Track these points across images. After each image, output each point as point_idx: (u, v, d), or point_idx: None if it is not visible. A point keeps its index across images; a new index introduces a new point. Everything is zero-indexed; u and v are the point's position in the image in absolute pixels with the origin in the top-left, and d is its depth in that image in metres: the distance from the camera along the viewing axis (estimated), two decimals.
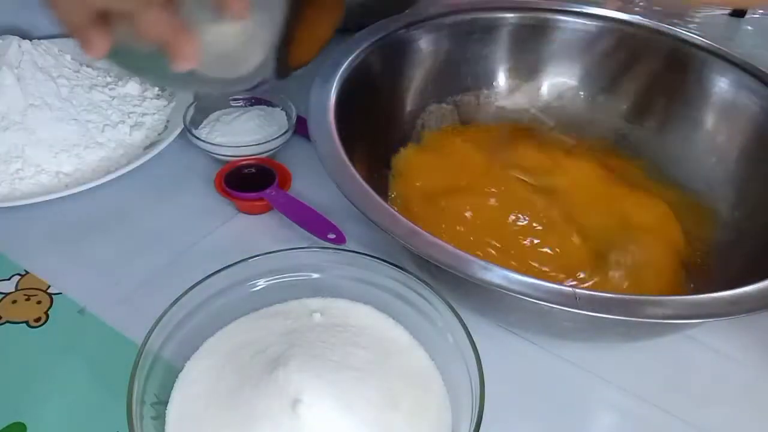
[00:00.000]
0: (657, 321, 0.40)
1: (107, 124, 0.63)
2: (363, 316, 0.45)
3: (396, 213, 0.44)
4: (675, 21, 0.90)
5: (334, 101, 0.54)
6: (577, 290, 0.40)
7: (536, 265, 0.53)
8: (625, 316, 0.39)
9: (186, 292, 0.42)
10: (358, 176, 0.47)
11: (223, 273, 0.44)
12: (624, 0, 0.98)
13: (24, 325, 0.49)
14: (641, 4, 0.97)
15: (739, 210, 0.57)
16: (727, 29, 0.91)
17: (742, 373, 0.49)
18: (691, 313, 0.40)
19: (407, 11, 0.68)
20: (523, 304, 0.41)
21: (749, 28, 0.91)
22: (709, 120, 0.62)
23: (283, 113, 0.66)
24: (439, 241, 0.43)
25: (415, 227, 0.43)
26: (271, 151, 0.63)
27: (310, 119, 0.52)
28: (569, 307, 0.39)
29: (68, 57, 0.66)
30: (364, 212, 0.44)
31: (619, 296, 0.41)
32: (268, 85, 0.45)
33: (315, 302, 0.46)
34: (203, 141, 0.61)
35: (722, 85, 0.61)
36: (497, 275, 0.41)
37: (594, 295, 0.40)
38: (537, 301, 0.40)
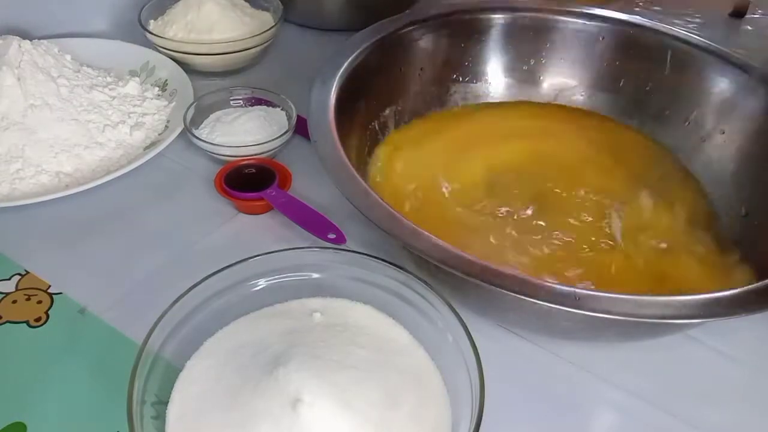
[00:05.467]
0: (657, 321, 0.40)
1: (107, 124, 0.63)
2: (363, 316, 0.45)
3: (396, 213, 0.44)
4: (675, 21, 0.90)
5: (334, 101, 0.54)
6: (577, 290, 0.40)
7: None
8: (624, 316, 0.39)
9: (186, 292, 0.42)
10: (358, 176, 0.47)
11: (223, 273, 0.44)
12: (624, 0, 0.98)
13: (24, 325, 0.49)
14: (641, 4, 0.97)
15: (743, 209, 0.57)
16: (727, 29, 0.91)
17: (742, 373, 0.49)
18: (691, 313, 0.40)
19: (407, 11, 0.68)
20: (522, 303, 0.41)
21: (749, 28, 0.91)
22: (709, 120, 0.62)
23: (283, 113, 0.66)
24: (440, 241, 0.43)
25: (415, 227, 0.43)
26: (271, 151, 0.63)
27: (310, 119, 0.52)
28: (569, 307, 0.39)
29: (68, 57, 0.66)
30: (364, 212, 0.44)
31: (619, 296, 0.40)
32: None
33: (315, 302, 0.46)
34: (203, 141, 0.61)
35: (722, 85, 0.61)
36: (497, 275, 0.41)
37: (594, 294, 0.40)
38: (537, 301, 0.40)
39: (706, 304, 0.40)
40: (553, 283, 0.41)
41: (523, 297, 0.40)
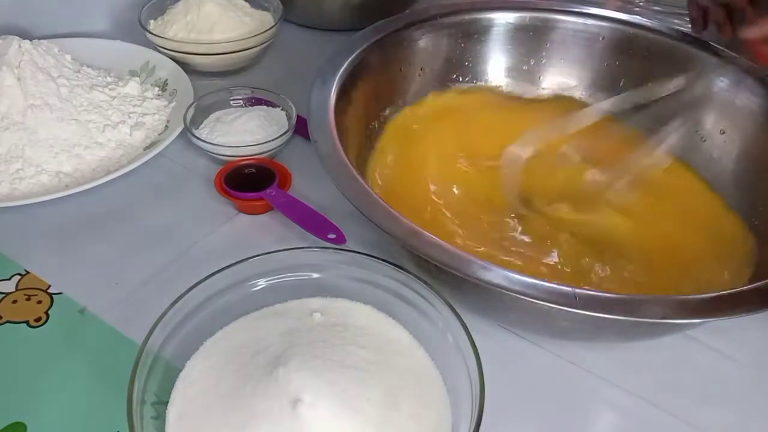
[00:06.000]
0: (656, 321, 0.40)
1: (107, 124, 0.63)
2: (363, 316, 0.45)
3: (395, 212, 0.44)
4: (675, 21, 0.90)
5: (334, 101, 0.54)
6: (577, 290, 0.40)
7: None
8: (624, 316, 0.39)
9: (186, 292, 0.42)
10: (358, 176, 0.47)
11: (223, 273, 0.44)
12: (624, 0, 0.98)
13: (24, 325, 0.49)
14: (641, 4, 0.97)
15: (744, 208, 0.57)
16: None
17: (742, 373, 0.49)
18: (690, 313, 0.40)
19: (407, 11, 0.68)
20: (522, 303, 0.41)
21: None
22: (709, 120, 0.62)
23: (283, 113, 0.66)
24: (439, 241, 0.43)
25: (415, 227, 0.43)
26: (271, 151, 0.63)
27: (310, 119, 0.52)
28: (569, 307, 0.39)
29: (68, 57, 0.66)
30: (364, 212, 0.44)
31: (619, 296, 0.40)
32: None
33: (315, 302, 0.46)
34: (203, 141, 0.61)
35: (722, 84, 0.61)
36: (497, 275, 0.41)
37: (593, 294, 0.40)
38: (536, 301, 0.40)
39: (705, 304, 0.40)
40: (553, 283, 0.41)
41: (523, 297, 0.40)
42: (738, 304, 0.41)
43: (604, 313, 0.39)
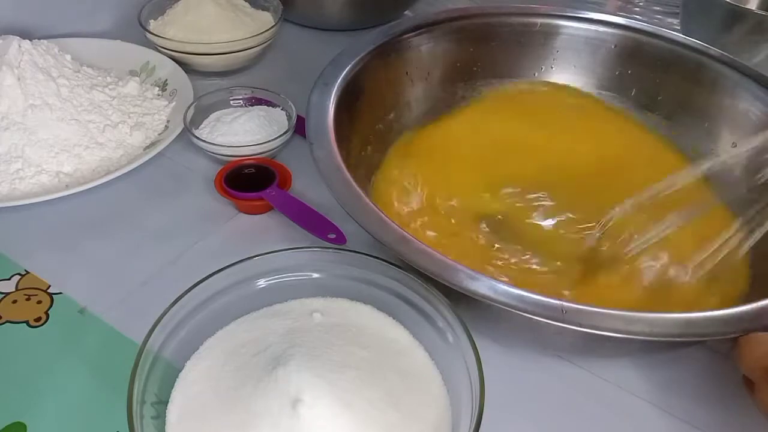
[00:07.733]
0: (646, 338, 0.39)
1: (108, 124, 0.63)
2: (363, 316, 0.45)
3: (386, 218, 0.44)
4: (673, 21, 0.91)
5: (334, 103, 0.54)
6: (564, 303, 0.39)
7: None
8: (613, 332, 0.38)
9: (186, 292, 0.42)
10: (351, 180, 0.47)
11: (223, 273, 0.44)
12: (624, 0, 0.98)
13: (24, 325, 0.49)
14: (641, 4, 0.98)
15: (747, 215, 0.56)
16: None
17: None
18: (681, 332, 0.39)
19: (409, 14, 0.67)
20: (510, 315, 0.40)
21: None
22: (721, 131, 0.61)
23: (283, 113, 0.66)
24: (428, 249, 0.42)
25: (405, 233, 0.43)
26: (271, 151, 0.63)
27: (309, 121, 0.51)
28: (555, 321, 0.38)
29: (68, 57, 0.66)
30: (354, 216, 0.44)
31: (608, 311, 0.39)
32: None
33: (315, 302, 0.46)
34: (203, 141, 0.61)
35: (724, 89, 0.61)
36: (483, 285, 0.40)
37: (581, 309, 0.39)
38: (522, 313, 0.39)
39: (697, 323, 0.40)
40: (540, 295, 0.40)
41: (509, 309, 0.39)
42: (731, 324, 0.40)
43: (591, 329, 0.38)
